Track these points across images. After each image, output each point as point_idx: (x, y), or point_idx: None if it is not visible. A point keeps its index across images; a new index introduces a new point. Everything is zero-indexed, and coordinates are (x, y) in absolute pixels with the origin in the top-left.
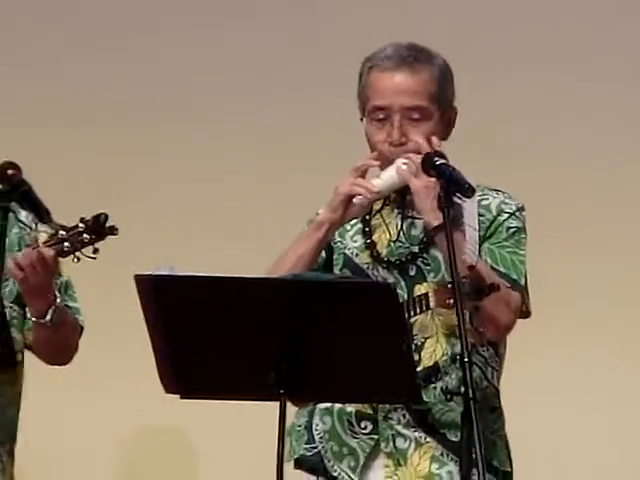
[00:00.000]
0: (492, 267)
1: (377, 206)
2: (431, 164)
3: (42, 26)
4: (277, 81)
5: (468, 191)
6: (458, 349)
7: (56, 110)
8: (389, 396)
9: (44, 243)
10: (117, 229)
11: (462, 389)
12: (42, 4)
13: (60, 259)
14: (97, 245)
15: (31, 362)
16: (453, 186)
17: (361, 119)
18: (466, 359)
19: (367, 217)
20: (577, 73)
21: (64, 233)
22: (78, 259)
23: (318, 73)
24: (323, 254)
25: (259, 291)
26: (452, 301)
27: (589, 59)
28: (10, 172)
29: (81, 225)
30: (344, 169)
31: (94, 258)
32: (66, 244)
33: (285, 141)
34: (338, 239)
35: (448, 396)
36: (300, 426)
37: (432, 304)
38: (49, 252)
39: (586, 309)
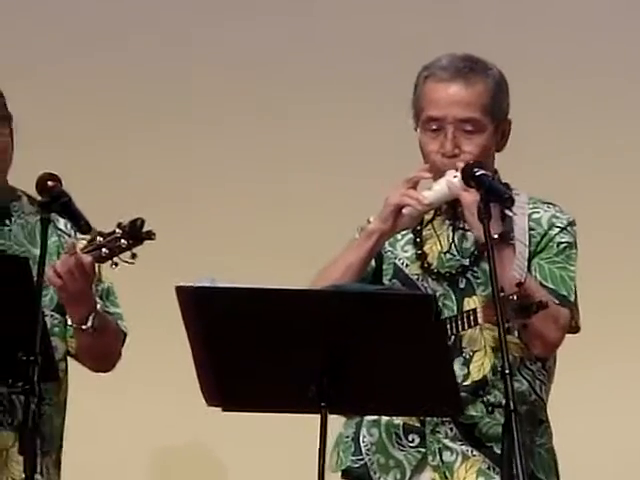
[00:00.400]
0: (541, 283)
1: (428, 216)
2: (470, 175)
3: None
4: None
5: (507, 202)
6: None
7: (90, 117)
8: (431, 409)
9: (82, 250)
10: (154, 234)
11: (504, 401)
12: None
13: (100, 265)
14: (135, 250)
15: (71, 369)
16: (492, 197)
17: (415, 129)
18: (507, 371)
19: (418, 227)
20: None
21: (101, 239)
22: (116, 264)
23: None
24: (373, 263)
25: (300, 303)
26: None
27: None
28: (50, 183)
29: (118, 230)
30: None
31: (132, 263)
32: (104, 250)
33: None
34: (389, 248)
35: (490, 408)
36: (348, 437)
37: (480, 320)
38: (87, 258)
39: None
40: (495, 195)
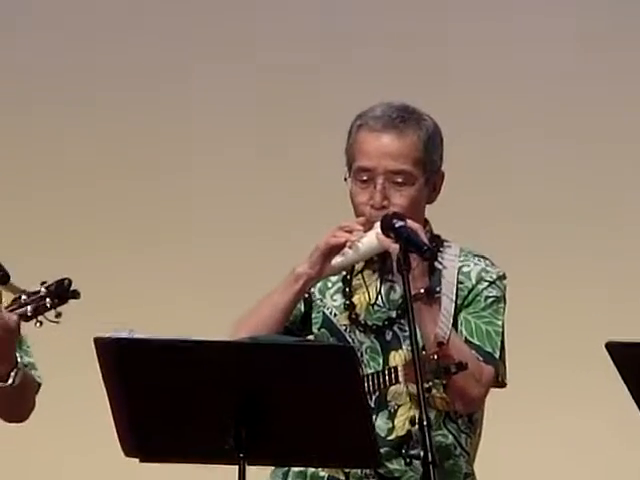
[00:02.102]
0: (466, 339)
1: (359, 266)
2: (389, 226)
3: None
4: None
5: (426, 253)
6: (430, 416)
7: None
8: (349, 460)
9: (6, 308)
10: (79, 293)
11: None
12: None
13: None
14: (60, 309)
15: None
16: (412, 248)
17: (345, 179)
18: (425, 423)
19: (348, 277)
20: None
21: (26, 298)
22: (41, 323)
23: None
24: (302, 309)
25: (217, 354)
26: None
27: None
28: None
29: (43, 290)
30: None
31: (57, 322)
32: (29, 308)
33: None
34: (318, 296)
35: (408, 460)
36: None
37: (401, 378)
38: (12, 317)
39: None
40: (414, 247)
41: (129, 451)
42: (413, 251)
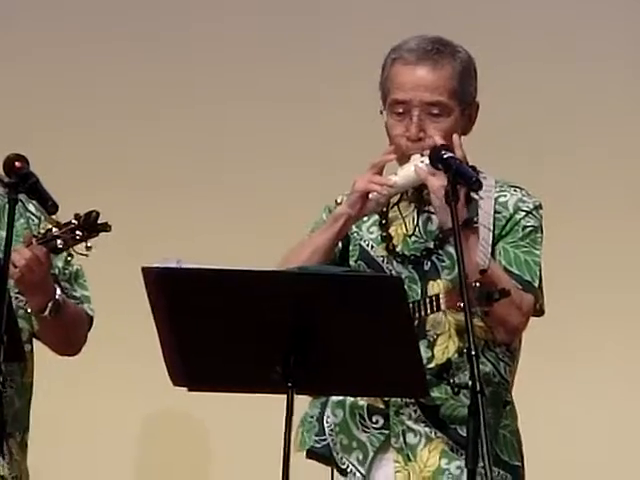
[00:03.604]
0: (505, 268)
1: (395, 199)
2: (438, 158)
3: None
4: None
5: (475, 185)
6: None
7: (53, 105)
8: (396, 390)
9: (37, 240)
10: (110, 226)
11: (470, 383)
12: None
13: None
14: (90, 242)
15: (39, 353)
16: (460, 180)
17: (381, 112)
18: (473, 353)
19: (384, 209)
20: None
21: (57, 230)
22: (71, 255)
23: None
24: (340, 245)
25: (265, 284)
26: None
27: None
28: (18, 164)
29: (74, 222)
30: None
31: (87, 255)
32: (59, 241)
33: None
34: (355, 229)
35: (456, 389)
36: (312, 417)
37: (443, 306)
38: (41, 250)
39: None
40: (463, 178)
41: (177, 380)
42: (461, 182)
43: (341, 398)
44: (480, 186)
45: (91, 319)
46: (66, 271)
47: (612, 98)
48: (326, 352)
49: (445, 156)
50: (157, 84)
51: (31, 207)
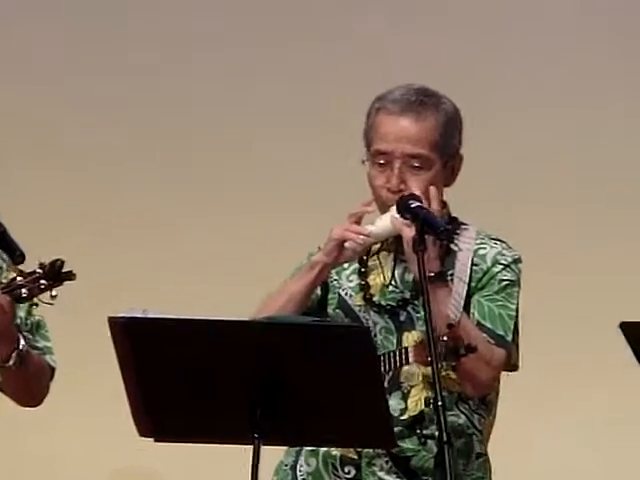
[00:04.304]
0: (478, 322)
1: (375, 248)
2: (405, 207)
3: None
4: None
5: (443, 234)
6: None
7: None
8: (364, 441)
9: (1, 289)
10: (74, 274)
11: (436, 433)
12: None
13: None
14: (55, 291)
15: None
16: (428, 229)
17: (363, 162)
18: (439, 403)
19: (365, 257)
20: None
21: (21, 279)
22: (36, 305)
23: None
24: (318, 292)
25: (233, 334)
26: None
27: None
28: None
29: (38, 271)
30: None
31: (51, 304)
32: (23, 290)
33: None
34: (335, 277)
35: (423, 440)
36: (286, 466)
37: (411, 359)
38: (5, 299)
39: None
40: (431, 228)
41: (144, 431)
42: (429, 232)
43: (315, 447)
44: (448, 236)
45: (53, 370)
46: (28, 321)
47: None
48: (293, 402)
49: (412, 205)
50: (127, 135)
51: None
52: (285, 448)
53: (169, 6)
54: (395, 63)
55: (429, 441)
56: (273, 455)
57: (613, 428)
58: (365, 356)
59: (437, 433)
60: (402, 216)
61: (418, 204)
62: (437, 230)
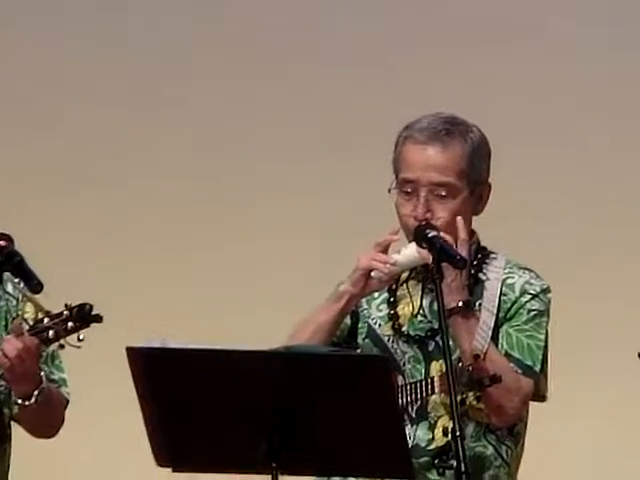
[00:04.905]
0: (506, 352)
1: (404, 277)
2: (422, 236)
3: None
4: None
5: (458, 263)
6: (470, 428)
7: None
8: (382, 471)
9: (28, 331)
10: (102, 317)
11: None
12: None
13: None
14: (82, 334)
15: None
16: (444, 258)
17: (389, 190)
18: (458, 433)
19: (394, 287)
20: None
21: (48, 320)
22: (62, 346)
23: None
24: (348, 321)
25: (250, 363)
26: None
27: None
28: (2, 243)
29: (66, 313)
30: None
31: (79, 347)
32: (51, 332)
33: None
34: (365, 307)
35: (440, 470)
36: None
37: (436, 389)
38: (33, 341)
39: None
40: (447, 256)
41: (162, 461)
42: (446, 260)
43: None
44: (464, 265)
45: (67, 402)
46: (43, 353)
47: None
48: (311, 431)
49: (429, 235)
50: (148, 149)
51: (9, 287)
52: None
53: None
54: None
55: (447, 472)
56: None
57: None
58: (382, 385)
59: (453, 463)
60: (419, 245)
61: (434, 233)
62: (454, 259)
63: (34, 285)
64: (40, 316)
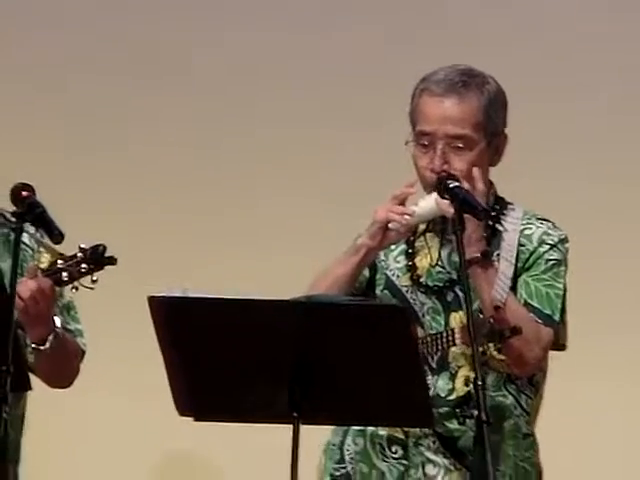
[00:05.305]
0: (525, 302)
1: (421, 228)
2: (444, 187)
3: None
4: None
5: (481, 214)
6: (490, 378)
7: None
8: (401, 419)
9: (42, 272)
10: (116, 259)
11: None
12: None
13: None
14: (95, 275)
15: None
16: (466, 209)
17: (406, 143)
18: (479, 383)
19: (412, 238)
20: None
21: (62, 262)
22: (76, 288)
23: None
24: (366, 273)
25: (270, 313)
26: None
27: None
28: (24, 194)
29: (79, 255)
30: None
31: (92, 288)
32: (64, 274)
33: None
34: (382, 258)
35: (461, 419)
36: (334, 445)
37: (457, 340)
38: (47, 282)
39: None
40: (469, 207)
41: (183, 410)
42: (468, 212)
43: (362, 427)
44: (486, 216)
45: (83, 353)
46: (59, 303)
47: None
48: (332, 381)
49: (451, 186)
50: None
51: (25, 238)
52: (332, 428)
53: None
54: None
55: (467, 421)
56: (317, 435)
57: None
58: (402, 335)
59: (473, 412)
60: (441, 196)
61: (457, 184)
62: (476, 210)
63: (55, 235)
64: (47, 257)
